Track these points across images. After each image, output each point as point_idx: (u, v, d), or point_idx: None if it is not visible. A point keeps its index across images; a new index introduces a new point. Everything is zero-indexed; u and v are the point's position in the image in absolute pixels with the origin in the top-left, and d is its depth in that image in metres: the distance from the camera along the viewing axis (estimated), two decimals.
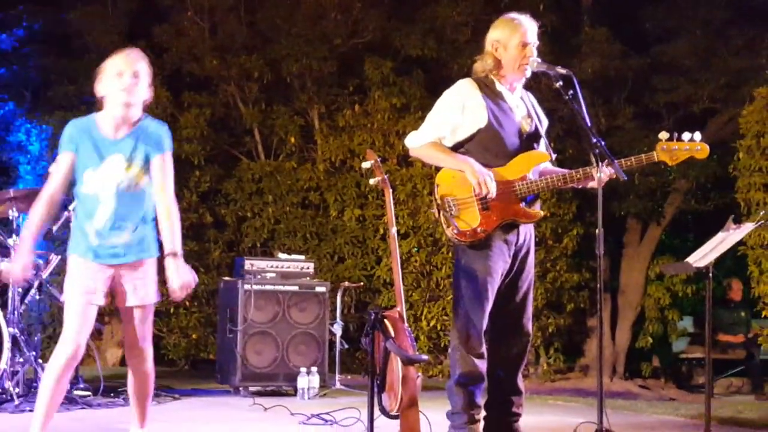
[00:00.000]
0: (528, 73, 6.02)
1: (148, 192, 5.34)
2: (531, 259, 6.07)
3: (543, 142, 6.10)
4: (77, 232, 5.31)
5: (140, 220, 5.33)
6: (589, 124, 5.57)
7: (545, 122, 6.20)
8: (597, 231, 5.46)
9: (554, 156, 6.11)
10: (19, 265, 5.25)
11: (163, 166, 5.36)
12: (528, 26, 5.96)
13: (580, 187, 6.09)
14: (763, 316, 11.27)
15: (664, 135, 5.94)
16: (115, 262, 5.27)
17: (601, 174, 5.56)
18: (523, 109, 6.09)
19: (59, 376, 5.16)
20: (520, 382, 6.07)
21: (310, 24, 13.56)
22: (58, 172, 5.28)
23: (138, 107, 5.33)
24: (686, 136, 5.94)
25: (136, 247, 5.32)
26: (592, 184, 5.89)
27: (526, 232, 6.02)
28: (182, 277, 5.22)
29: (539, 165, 6.03)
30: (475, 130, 5.87)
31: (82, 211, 5.28)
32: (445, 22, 13.23)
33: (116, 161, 5.25)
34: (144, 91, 5.33)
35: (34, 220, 5.24)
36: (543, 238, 12.59)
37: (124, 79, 5.24)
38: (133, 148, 5.30)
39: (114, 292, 5.35)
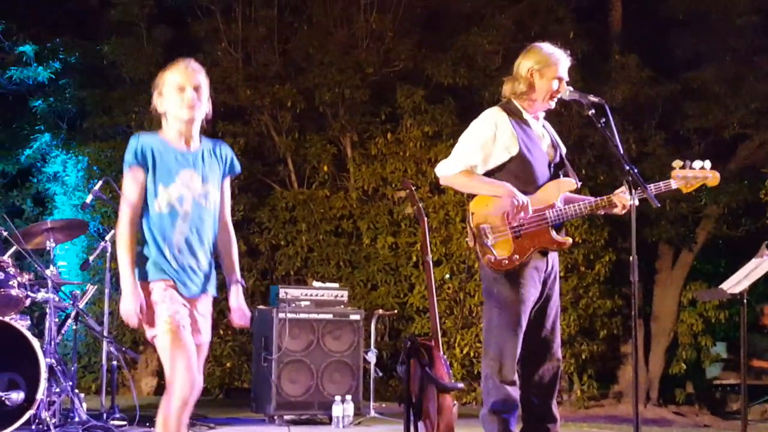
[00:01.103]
0: (553, 105, 6.08)
1: (216, 211, 5.14)
2: (557, 286, 6.12)
3: (568, 169, 6.16)
4: (154, 255, 4.93)
5: (211, 244, 5.10)
6: (621, 152, 5.60)
7: (564, 150, 6.26)
8: (631, 258, 5.48)
9: (579, 184, 6.15)
10: (135, 305, 4.82)
11: (229, 188, 5.26)
12: (564, 62, 6.03)
13: (603, 212, 6.15)
14: None
15: (678, 163, 6.03)
16: (189, 294, 4.99)
17: (634, 200, 5.59)
18: (548, 138, 6.16)
19: (178, 421, 4.78)
20: (555, 409, 6.08)
21: (342, 53, 13.65)
22: (133, 188, 4.95)
23: (199, 121, 5.12)
24: (697, 164, 6.02)
25: (205, 280, 5.07)
26: (616, 210, 5.99)
27: (553, 258, 6.07)
28: (244, 306, 5.19)
29: (566, 193, 6.08)
30: (507, 158, 5.92)
31: (157, 232, 4.94)
32: (476, 50, 13.27)
33: (190, 176, 5.02)
34: (206, 105, 5.11)
35: (132, 246, 4.89)
36: (575, 265, 12.58)
37: (187, 94, 5.01)
38: (207, 164, 5.11)
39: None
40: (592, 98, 5.79)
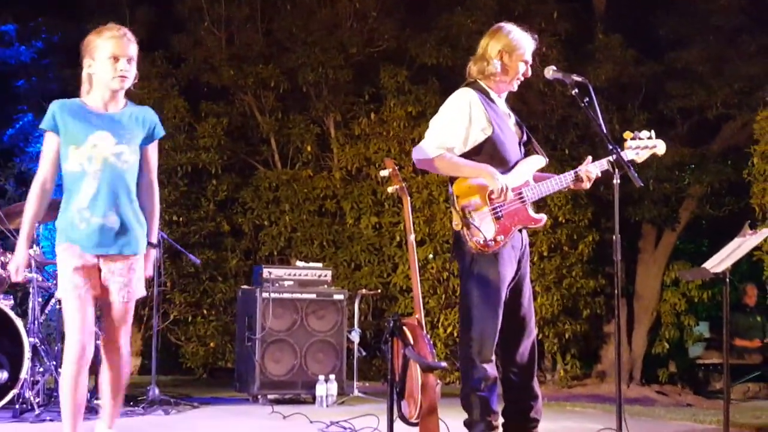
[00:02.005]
0: (515, 88, 6.07)
1: (133, 174, 5.24)
2: (528, 262, 6.13)
3: (535, 146, 6.17)
4: (64, 217, 5.15)
5: (128, 205, 5.20)
6: (605, 131, 5.62)
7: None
8: (614, 237, 5.49)
9: (547, 160, 6.15)
10: (14, 264, 5.25)
11: (155, 153, 5.39)
12: (531, 45, 6.02)
13: (573, 187, 6.14)
14: None
15: (628, 134, 6.06)
16: (100, 252, 5.14)
17: (617, 180, 5.60)
18: (513, 117, 6.15)
19: (73, 383, 5.05)
20: (536, 387, 6.09)
21: (326, 33, 13.63)
22: (45, 156, 5.16)
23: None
24: (644, 134, 6.05)
25: (123, 240, 5.18)
26: (582, 185, 6.00)
27: (524, 235, 6.08)
28: (150, 270, 5.39)
29: (536, 170, 6.09)
30: (483, 138, 5.87)
31: (67, 191, 5.13)
32: (459, 30, 13.23)
33: (104, 137, 5.11)
34: (134, 74, 5.22)
35: (28, 214, 5.16)
36: (558, 245, 12.60)
37: (120, 65, 5.13)
38: (125, 127, 5.19)
39: (101, 284, 5.20)
40: (576, 78, 5.78)
